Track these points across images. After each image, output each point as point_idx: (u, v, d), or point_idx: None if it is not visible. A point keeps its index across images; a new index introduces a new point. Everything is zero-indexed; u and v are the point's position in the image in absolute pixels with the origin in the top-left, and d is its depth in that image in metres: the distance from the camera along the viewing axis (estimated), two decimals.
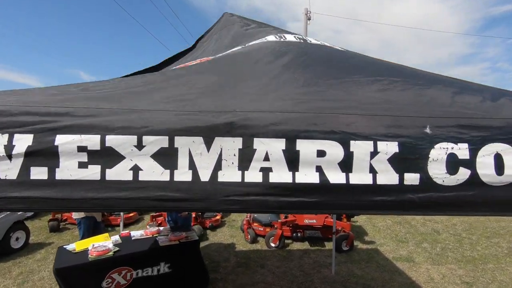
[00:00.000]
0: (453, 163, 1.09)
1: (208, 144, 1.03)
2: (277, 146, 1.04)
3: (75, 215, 4.32)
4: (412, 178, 1.08)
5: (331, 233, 5.54)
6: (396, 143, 1.07)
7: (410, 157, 1.08)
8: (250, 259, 5.05)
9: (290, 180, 1.06)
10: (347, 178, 1.07)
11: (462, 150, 1.08)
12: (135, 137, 1.01)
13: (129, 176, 1.02)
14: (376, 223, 7.14)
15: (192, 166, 1.03)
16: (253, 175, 1.05)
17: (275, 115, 1.07)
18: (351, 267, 4.79)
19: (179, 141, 1.02)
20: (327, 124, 1.07)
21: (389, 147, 1.07)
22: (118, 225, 6.49)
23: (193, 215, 6.19)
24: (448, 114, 1.14)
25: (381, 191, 1.07)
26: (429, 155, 1.08)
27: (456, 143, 1.08)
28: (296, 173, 1.06)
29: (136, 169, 1.02)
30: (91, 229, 4.33)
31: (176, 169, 1.03)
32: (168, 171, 1.03)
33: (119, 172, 1.01)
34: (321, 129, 1.06)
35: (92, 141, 1.00)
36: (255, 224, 6.16)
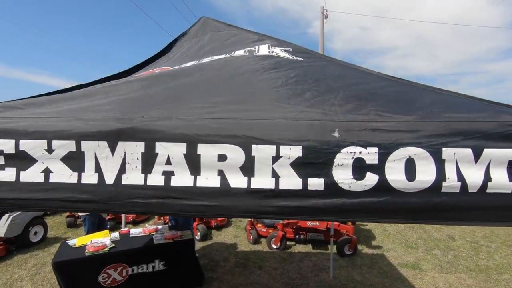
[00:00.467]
0: (360, 168, 1.05)
1: (113, 148, 1.07)
2: (178, 150, 1.07)
3: (81, 213, 4.59)
4: (316, 183, 1.05)
5: (335, 236, 5.43)
6: (300, 147, 1.05)
7: (314, 162, 1.05)
8: (249, 260, 5.07)
9: (191, 184, 1.07)
10: (249, 183, 1.06)
11: (370, 155, 1.04)
12: (45, 141, 1.08)
13: (41, 178, 1.09)
14: (387, 227, 6.86)
15: (98, 169, 1.08)
16: (156, 179, 1.08)
17: (177, 121, 1.09)
18: (351, 271, 4.65)
19: (85, 145, 1.08)
20: (229, 129, 1.07)
21: (292, 152, 1.05)
22: (130, 222, 6.80)
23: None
24: (360, 119, 1.10)
25: (284, 196, 1.06)
26: (335, 160, 1.04)
27: (365, 147, 1.04)
28: (198, 176, 1.08)
29: (47, 172, 1.09)
30: (95, 226, 4.59)
31: (83, 172, 1.09)
32: (76, 174, 1.09)
33: (32, 174, 1.09)
34: (223, 133, 1.07)
35: (7, 145, 1.08)
36: (258, 225, 6.17)
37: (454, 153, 1.03)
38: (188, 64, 1.88)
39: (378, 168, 1.04)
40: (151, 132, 1.08)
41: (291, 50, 1.89)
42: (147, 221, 7.33)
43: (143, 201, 1.07)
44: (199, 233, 5.91)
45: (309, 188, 1.05)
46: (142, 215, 7.15)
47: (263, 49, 1.95)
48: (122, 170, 1.08)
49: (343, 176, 1.05)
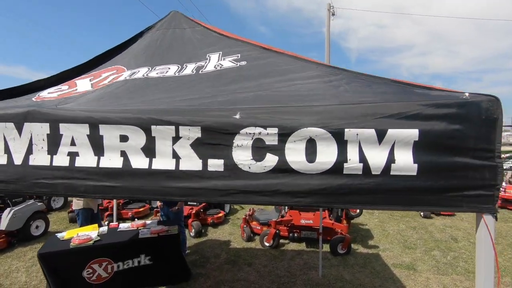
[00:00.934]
0: (260, 149, 1.02)
1: (19, 130, 1.09)
2: (81, 131, 1.07)
3: (75, 206, 4.71)
4: (216, 164, 1.03)
5: (329, 234, 5.34)
6: (199, 128, 1.03)
7: (213, 143, 1.03)
8: (240, 257, 5.05)
9: (94, 164, 1.07)
10: (150, 163, 1.06)
11: (270, 136, 1.01)
12: None
13: None
14: (387, 227, 6.67)
15: (7, 150, 1.10)
16: (61, 159, 1.09)
17: (79, 102, 1.10)
18: (342, 271, 4.55)
19: None
20: (129, 110, 1.07)
21: (192, 132, 1.03)
22: (129, 218, 6.92)
23: (194, 210, 6.37)
24: (259, 101, 1.07)
25: (184, 177, 1.04)
26: (234, 141, 1.02)
27: (265, 127, 1.01)
28: (101, 157, 1.08)
29: None
30: (89, 219, 4.69)
31: None
32: None
33: None
34: (123, 115, 1.07)
35: None
36: (253, 222, 6.14)
37: (357, 134, 0.98)
38: (138, 74, 1.85)
39: (278, 149, 1.01)
40: (55, 114, 1.09)
41: (239, 56, 1.85)
42: (147, 217, 7.45)
43: (48, 181, 1.09)
44: (193, 230, 5.95)
45: (209, 169, 1.03)
46: (141, 212, 7.28)
47: (213, 62, 1.91)
48: (29, 151, 1.10)
49: (242, 157, 1.02)
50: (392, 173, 0.97)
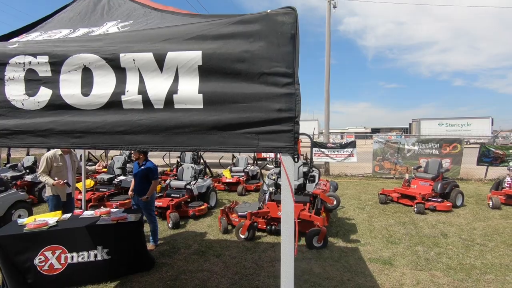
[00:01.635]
0: (33, 82, 0.87)
1: None
2: None
3: (46, 193, 4.71)
4: None
5: (307, 227, 5.11)
6: None
7: None
8: (211, 248, 4.92)
9: None
10: None
11: (42, 65, 0.86)
12: None
13: None
14: (375, 222, 6.36)
15: None
16: None
17: None
18: (313, 264, 4.33)
19: None
20: None
21: None
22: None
23: (173, 202, 6.29)
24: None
25: None
26: (5, 73, 0.88)
27: (34, 55, 0.86)
28: None
29: None
30: (59, 206, 4.67)
31: None
32: None
33: None
34: None
35: None
36: (233, 215, 5.99)
37: (134, 60, 0.81)
38: (40, 36, 1.77)
39: (52, 82, 0.86)
40: None
41: (131, 22, 1.71)
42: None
43: None
44: (171, 221, 5.86)
45: None
46: (126, 204, 7.25)
47: (103, 29, 1.79)
48: None
49: (15, 92, 0.87)
50: (176, 106, 0.80)
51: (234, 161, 11.08)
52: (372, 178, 12.31)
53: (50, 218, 3.93)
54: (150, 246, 4.92)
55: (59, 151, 4.68)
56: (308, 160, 6.44)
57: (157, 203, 6.39)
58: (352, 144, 12.34)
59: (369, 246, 5.03)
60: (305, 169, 6.40)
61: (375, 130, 59.58)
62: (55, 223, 3.79)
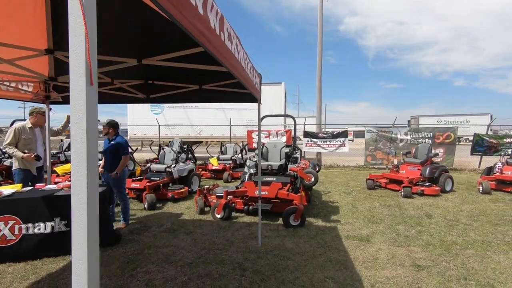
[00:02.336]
0: None
1: None
2: None
3: (13, 167, 4.51)
4: None
5: (285, 206, 4.92)
6: None
7: None
8: (183, 227, 4.73)
9: None
10: None
11: None
12: None
13: None
14: (359, 205, 6.16)
15: None
16: None
17: None
18: (287, 241, 4.14)
19: None
20: None
21: None
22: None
23: (150, 184, 6.10)
24: None
25: None
26: None
27: None
28: None
29: None
30: (26, 181, 4.47)
31: None
32: None
33: None
34: None
35: None
36: (212, 196, 5.80)
37: None
38: None
39: None
40: None
41: None
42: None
43: None
44: (147, 202, 5.67)
45: None
46: None
47: None
48: None
49: None
50: None
51: (222, 149, 10.89)
52: (364, 168, 12.11)
53: (7, 189, 3.74)
54: (120, 224, 4.73)
55: (29, 124, 4.49)
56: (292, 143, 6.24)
57: (134, 185, 6.22)
58: (343, 134, 12.13)
59: (349, 225, 4.83)
60: (287, 149, 6.20)
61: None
62: (10, 194, 3.60)
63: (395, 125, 11.96)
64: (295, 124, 6.60)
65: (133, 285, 2.98)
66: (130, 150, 7.36)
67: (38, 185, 4.15)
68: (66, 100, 4.56)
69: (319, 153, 12.90)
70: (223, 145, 11.02)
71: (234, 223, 4.95)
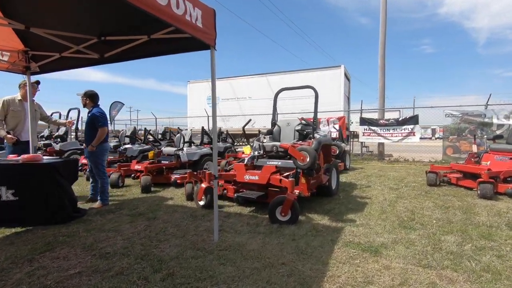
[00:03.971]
0: None
1: None
2: None
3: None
4: None
5: (270, 196, 3.76)
6: None
7: None
8: (154, 212, 4.03)
9: None
10: None
11: None
12: None
13: None
14: (400, 203, 4.41)
15: None
16: None
17: None
18: (255, 240, 3.00)
19: None
20: None
21: None
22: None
23: (150, 166, 5.66)
24: None
25: None
26: None
27: None
28: None
29: None
30: (18, 152, 4.49)
31: None
32: None
33: None
34: None
35: None
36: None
37: None
38: None
39: None
40: None
41: None
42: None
43: None
44: (141, 184, 5.23)
45: None
46: None
47: None
48: None
49: None
50: None
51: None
52: (443, 164, 9.40)
53: None
54: (96, 204, 4.35)
55: (18, 96, 4.52)
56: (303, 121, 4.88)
57: (137, 166, 5.90)
58: (413, 120, 9.68)
59: (363, 228, 3.33)
60: (299, 127, 4.89)
61: None
62: None
63: (488, 105, 8.83)
64: (316, 97, 5.22)
65: (17, 270, 2.38)
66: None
67: (10, 156, 4.05)
68: (44, 70, 4.39)
69: (381, 144, 10.70)
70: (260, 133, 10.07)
71: (220, 212, 3.99)
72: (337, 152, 4.49)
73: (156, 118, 16.96)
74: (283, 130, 5.22)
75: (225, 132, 10.32)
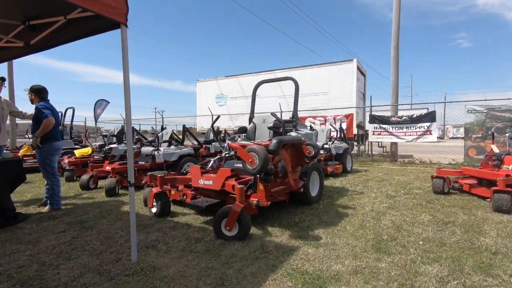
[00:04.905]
0: None
1: None
2: None
3: None
4: None
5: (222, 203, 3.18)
6: None
7: None
8: (97, 219, 3.60)
9: None
10: None
11: None
12: None
13: None
14: (388, 216, 3.65)
15: None
16: None
17: None
18: (180, 262, 2.44)
19: None
20: None
21: None
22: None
23: (115, 166, 5.26)
24: None
25: None
26: None
27: None
28: None
29: None
30: None
31: None
32: None
33: None
34: None
35: None
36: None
37: None
38: None
39: None
40: None
41: None
42: None
43: None
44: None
45: None
46: None
47: None
48: None
49: None
50: None
51: None
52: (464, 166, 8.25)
53: None
54: (45, 209, 4.01)
55: None
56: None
57: (108, 167, 5.53)
58: (429, 117, 8.61)
59: (324, 249, 2.65)
60: (271, 124, 4.24)
61: None
62: None
63: None
64: (296, 89, 4.56)
65: None
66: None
67: None
68: None
69: (393, 144, 9.68)
70: None
71: (169, 222, 3.48)
72: (313, 153, 3.81)
73: (162, 118, 16.79)
74: (258, 128, 4.61)
75: (223, 132, 9.86)
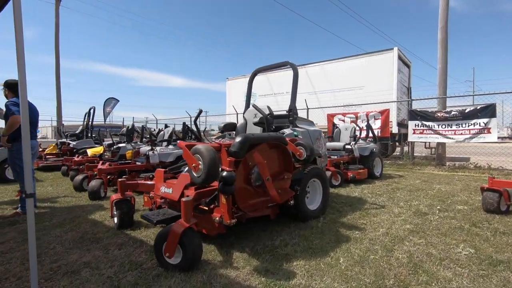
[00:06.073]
0: None
1: None
2: None
3: None
4: None
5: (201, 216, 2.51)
6: None
7: None
8: (56, 228, 3.18)
9: None
10: None
11: None
12: None
13: None
14: (407, 243, 2.63)
15: None
16: None
17: None
18: None
19: None
20: None
21: None
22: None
23: (105, 167, 4.89)
24: None
25: None
26: None
27: None
28: None
29: None
30: None
31: None
32: None
33: None
34: None
35: None
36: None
37: None
38: None
39: None
40: None
41: None
42: None
43: None
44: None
45: None
46: None
47: None
48: None
49: None
50: None
51: None
52: None
53: None
54: (13, 212, 3.75)
55: None
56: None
57: (100, 167, 5.20)
58: (487, 111, 6.96)
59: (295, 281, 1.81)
60: (256, 119, 3.45)
61: None
62: None
63: None
64: (295, 76, 3.71)
65: None
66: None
67: None
68: None
69: (440, 145, 8.12)
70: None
71: (124, 236, 2.92)
72: (304, 155, 2.96)
73: (190, 117, 16.69)
74: (249, 124, 3.85)
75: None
